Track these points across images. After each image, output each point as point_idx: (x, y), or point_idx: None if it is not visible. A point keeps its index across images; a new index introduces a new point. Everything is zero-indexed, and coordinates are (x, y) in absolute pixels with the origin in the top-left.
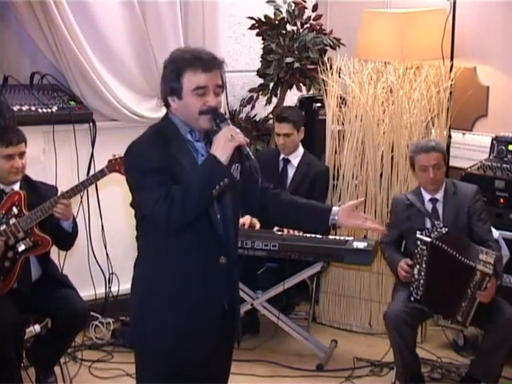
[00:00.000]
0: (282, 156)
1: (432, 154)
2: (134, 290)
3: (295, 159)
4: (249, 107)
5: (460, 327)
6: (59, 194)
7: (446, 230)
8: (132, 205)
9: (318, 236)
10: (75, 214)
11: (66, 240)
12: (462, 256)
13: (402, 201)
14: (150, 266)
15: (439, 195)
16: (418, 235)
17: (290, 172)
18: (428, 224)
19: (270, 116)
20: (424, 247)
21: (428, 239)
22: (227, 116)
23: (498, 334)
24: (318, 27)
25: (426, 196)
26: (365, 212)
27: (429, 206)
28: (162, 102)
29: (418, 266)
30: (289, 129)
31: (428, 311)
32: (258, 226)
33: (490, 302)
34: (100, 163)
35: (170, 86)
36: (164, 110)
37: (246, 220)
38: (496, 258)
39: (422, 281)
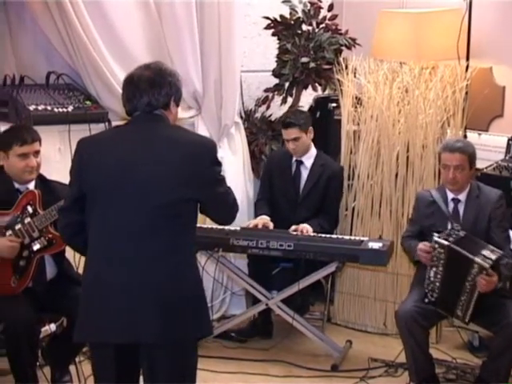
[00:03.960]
0: (294, 158)
1: (456, 155)
2: (191, 280)
3: (308, 160)
4: (264, 107)
5: (461, 323)
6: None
7: (464, 233)
8: (174, 201)
9: (333, 236)
10: None
11: None
12: (465, 250)
13: (426, 197)
14: (196, 262)
15: (462, 196)
16: (436, 238)
17: (304, 174)
18: (449, 225)
19: None
20: (441, 250)
21: (446, 243)
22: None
23: (505, 336)
24: (333, 27)
25: (450, 195)
26: (380, 213)
27: (450, 206)
28: (155, 102)
29: (434, 269)
30: (296, 133)
31: (442, 313)
32: (271, 226)
33: (497, 302)
34: None
35: (181, 92)
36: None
37: (259, 221)
38: (500, 256)
39: (437, 283)
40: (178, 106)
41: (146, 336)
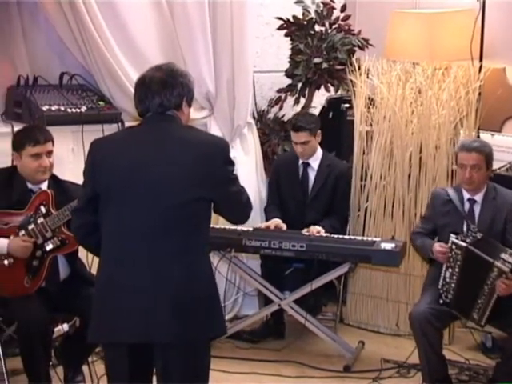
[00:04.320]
0: (301, 160)
1: (472, 154)
2: (204, 280)
3: (315, 162)
4: (277, 107)
5: (476, 326)
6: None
7: (481, 235)
8: (184, 202)
9: (346, 237)
10: None
11: None
12: (482, 253)
13: (442, 195)
14: (209, 262)
15: (478, 197)
16: (453, 239)
17: (311, 175)
18: (464, 225)
19: None
20: (459, 252)
21: (463, 244)
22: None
23: None
24: (346, 28)
25: (466, 195)
26: (392, 213)
27: (466, 206)
28: (167, 103)
29: (450, 270)
30: (306, 137)
31: (456, 314)
32: (284, 227)
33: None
34: None
35: (193, 93)
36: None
37: (271, 223)
38: None
39: (453, 284)
40: (190, 106)
41: (160, 336)
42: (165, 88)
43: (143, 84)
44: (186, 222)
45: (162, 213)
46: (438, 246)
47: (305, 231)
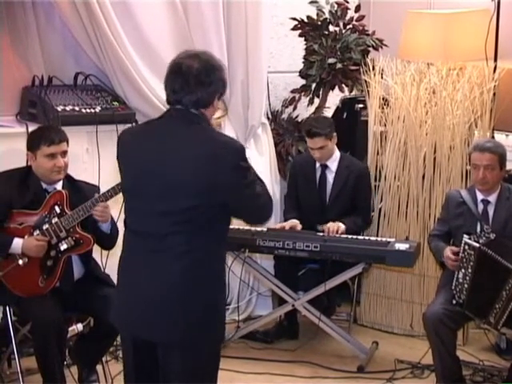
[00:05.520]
0: (318, 163)
1: (485, 155)
2: (206, 281)
3: (333, 164)
4: (291, 108)
5: (491, 329)
6: (96, 195)
7: (494, 235)
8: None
9: (360, 237)
10: (117, 214)
11: (106, 241)
12: (502, 258)
13: (455, 197)
14: (220, 263)
15: (492, 198)
16: (466, 239)
17: (330, 178)
18: (478, 226)
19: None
20: (471, 252)
21: (476, 244)
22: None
23: None
24: (360, 28)
25: (479, 196)
26: (406, 214)
27: (480, 207)
28: (202, 100)
29: (463, 270)
30: (322, 142)
31: (469, 315)
32: (299, 227)
33: None
34: None
35: (226, 86)
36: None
37: (286, 223)
38: None
39: (466, 285)
40: (219, 99)
41: (158, 335)
42: (203, 85)
43: (179, 72)
44: (194, 223)
45: (169, 212)
46: (448, 251)
47: (320, 227)
